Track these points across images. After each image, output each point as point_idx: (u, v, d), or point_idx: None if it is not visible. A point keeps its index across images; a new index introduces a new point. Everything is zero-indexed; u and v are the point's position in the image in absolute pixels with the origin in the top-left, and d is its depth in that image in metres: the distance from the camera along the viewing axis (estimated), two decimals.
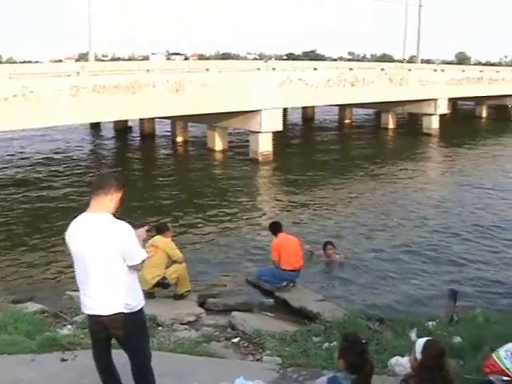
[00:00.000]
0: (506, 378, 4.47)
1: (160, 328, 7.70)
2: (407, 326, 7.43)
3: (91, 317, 4.46)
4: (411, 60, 56.23)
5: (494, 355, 4.66)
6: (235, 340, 7.49)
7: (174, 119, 26.77)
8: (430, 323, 7.65)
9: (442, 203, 17.22)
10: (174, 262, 9.08)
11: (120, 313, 4.30)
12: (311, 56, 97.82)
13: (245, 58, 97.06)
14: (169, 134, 29.07)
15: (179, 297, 9.18)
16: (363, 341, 4.03)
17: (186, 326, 8.12)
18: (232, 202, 17.01)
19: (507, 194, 18.66)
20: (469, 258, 12.40)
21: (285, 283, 9.71)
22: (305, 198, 17.67)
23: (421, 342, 4.09)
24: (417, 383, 3.94)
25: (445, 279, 11.04)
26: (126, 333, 4.38)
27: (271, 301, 9.54)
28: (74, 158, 24.26)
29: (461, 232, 14.22)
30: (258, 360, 6.66)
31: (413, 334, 7.08)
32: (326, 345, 6.76)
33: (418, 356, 4.02)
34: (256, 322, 8.25)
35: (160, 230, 9.20)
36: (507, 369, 4.46)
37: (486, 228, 14.61)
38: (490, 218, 15.64)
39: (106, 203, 4.32)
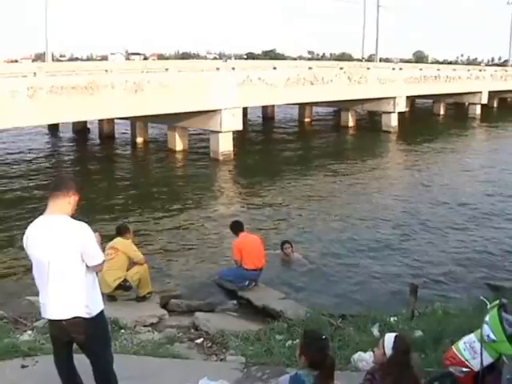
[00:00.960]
0: (465, 369, 4.54)
1: (122, 331, 7.60)
2: (369, 321, 7.52)
3: (51, 322, 4.41)
4: (370, 59, 57.01)
5: (453, 347, 4.74)
6: (199, 341, 7.46)
7: (133, 120, 26.53)
8: (392, 318, 7.76)
9: (401, 200, 17.47)
10: (135, 263, 8.98)
11: (79, 317, 4.26)
12: (271, 55, 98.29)
13: (205, 58, 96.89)
14: (128, 134, 28.76)
15: (141, 299, 9.07)
16: (323, 337, 4.06)
17: (149, 328, 8.04)
18: (192, 203, 16.95)
19: (463, 190, 19.07)
20: (427, 253, 12.64)
21: (247, 282, 9.70)
22: (266, 196, 17.70)
23: (390, 338, 4.14)
24: (384, 377, 3.98)
25: (405, 275, 11.22)
26: (87, 337, 4.33)
27: (234, 301, 9.53)
28: (30, 159, 23.78)
29: (418, 228, 14.46)
30: (221, 360, 6.66)
31: (375, 330, 7.17)
32: (290, 342, 6.79)
33: (388, 351, 4.06)
34: (219, 321, 8.22)
35: (120, 231, 9.09)
36: (466, 360, 4.54)
37: (443, 224, 14.90)
38: (447, 213, 15.96)
39: (64, 205, 4.28)
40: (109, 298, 8.65)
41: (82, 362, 4.58)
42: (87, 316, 4.28)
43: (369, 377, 4.21)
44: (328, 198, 17.71)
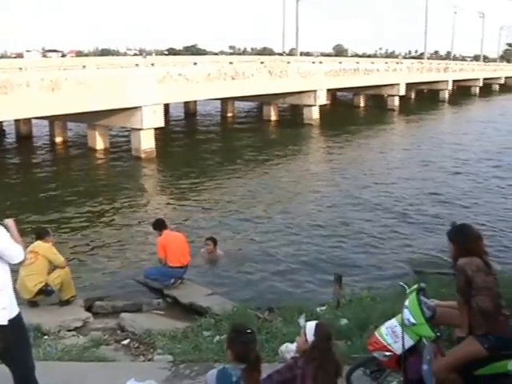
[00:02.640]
0: (388, 354, 4.66)
1: (46, 337, 7.40)
2: (296, 312, 7.60)
3: None
4: (291, 53, 57.63)
5: (376, 333, 4.85)
6: (125, 342, 7.36)
7: (51, 119, 25.74)
8: (318, 308, 7.88)
9: (323, 193, 17.74)
10: (56, 267, 8.73)
11: None
12: (192, 51, 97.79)
13: (125, 54, 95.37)
14: (47, 134, 27.89)
15: (64, 303, 8.83)
16: (248, 330, 4.07)
17: (74, 332, 7.87)
18: (114, 202, 16.62)
19: (383, 179, 19.61)
20: (350, 243, 12.95)
21: (173, 280, 9.60)
22: (189, 193, 17.60)
23: (311, 325, 4.19)
24: (306, 364, 4.03)
25: (330, 264, 11.44)
26: (5, 344, 4.16)
27: (160, 299, 9.42)
28: None
29: (339, 220, 14.75)
30: (149, 360, 6.60)
31: (302, 320, 7.24)
32: (217, 338, 6.78)
33: (310, 338, 4.11)
34: (146, 321, 8.13)
35: (40, 235, 8.80)
36: (389, 344, 4.66)
37: (365, 214, 15.31)
38: (369, 205, 16.35)
39: None
40: (30, 303, 8.41)
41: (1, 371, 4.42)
42: (5, 322, 4.12)
43: (291, 362, 4.26)
44: (251, 193, 17.78)
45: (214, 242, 11.77)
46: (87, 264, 11.51)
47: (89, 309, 8.92)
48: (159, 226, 9.92)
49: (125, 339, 7.45)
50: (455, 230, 4.64)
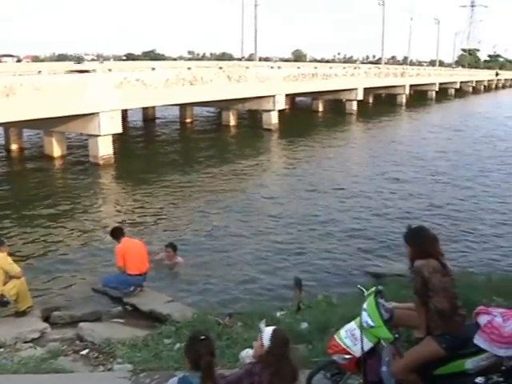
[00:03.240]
0: (347, 356, 4.70)
1: (1, 349, 7.23)
2: (257, 317, 7.58)
3: None
4: (250, 58, 57.74)
5: (335, 336, 4.89)
6: (84, 352, 7.24)
7: (6, 126, 25.14)
8: (279, 313, 7.89)
9: (282, 199, 17.83)
10: (12, 277, 8.54)
11: None
12: (151, 56, 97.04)
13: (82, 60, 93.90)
14: (1, 141, 27.28)
15: (21, 314, 8.66)
16: (202, 337, 4.04)
17: (31, 344, 7.70)
18: (72, 210, 16.34)
19: (343, 184, 19.81)
20: (309, 248, 13.02)
21: (132, 288, 9.50)
22: (148, 200, 17.40)
23: (268, 331, 4.18)
24: (263, 369, 4.03)
25: (290, 269, 11.49)
26: None
27: (120, 307, 9.30)
28: None
29: (298, 223, 14.87)
30: (109, 370, 6.50)
31: (262, 325, 7.20)
32: (178, 346, 6.72)
33: (266, 343, 4.10)
34: (105, 330, 8.01)
35: None
36: (348, 347, 4.69)
37: (325, 219, 15.43)
38: (328, 210, 16.46)
39: None
40: None
41: None
42: None
43: (248, 367, 4.25)
44: (211, 198, 17.70)
45: (174, 248, 11.71)
46: (44, 274, 11.28)
47: (46, 319, 8.76)
48: (117, 233, 9.79)
49: (84, 349, 7.34)
50: (411, 232, 4.70)
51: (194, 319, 7.62)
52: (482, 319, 4.52)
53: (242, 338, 6.72)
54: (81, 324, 8.15)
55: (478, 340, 4.43)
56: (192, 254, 12.30)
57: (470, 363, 4.46)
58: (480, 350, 4.43)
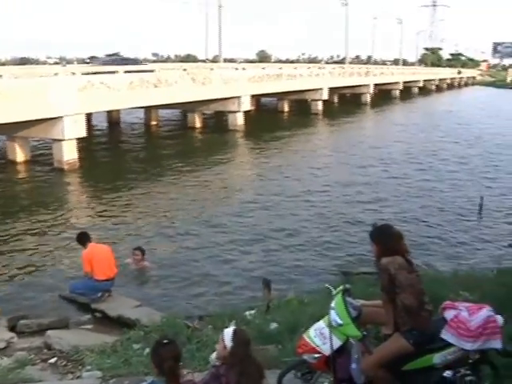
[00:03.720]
0: (317, 355, 4.72)
1: None
2: (226, 319, 7.58)
3: None
4: (215, 59, 57.61)
5: (304, 335, 4.91)
6: (52, 360, 7.14)
7: None
8: (248, 313, 7.88)
9: (249, 199, 17.78)
10: None
11: None
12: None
13: (45, 63, 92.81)
14: None
15: None
16: (165, 341, 4.03)
17: None
18: (37, 216, 16.03)
19: (308, 184, 19.90)
20: (278, 248, 13.09)
21: (100, 294, 9.40)
22: (114, 204, 17.20)
23: (229, 332, 4.18)
24: (228, 370, 4.03)
25: (258, 269, 11.53)
26: None
27: (88, 314, 9.19)
28: None
29: (267, 225, 14.86)
30: (78, 377, 6.45)
31: (232, 327, 7.22)
32: (147, 350, 6.64)
33: (228, 344, 4.10)
34: (74, 337, 7.91)
35: None
36: (317, 346, 4.72)
37: (292, 219, 15.51)
38: (295, 210, 16.53)
39: None
40: None
41: None
42: None
43: (213, 370, 4.24)
44: (177, 202, 17.57)
45: (142, 252, 11.62)
46: (9, 282, 11.11)
47: (12, 328, 8.59)
48: (83, 239, 9.67)
49: (52, 358, 7.24)
50: (377, 230, 4.75)
51: (162, 323, 7.58)
52: (449, 314, 4.59)
53: (211, 341, 6.68)
54: (48, 332, 8.04)
55: (445, 334, 4.49)
56: (160, 258, 12.22)
57: (437, 358, 4.51)
58: (447, 345, 4.49)
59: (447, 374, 4.66)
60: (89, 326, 8.76)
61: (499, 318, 4.56)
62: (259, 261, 12.21)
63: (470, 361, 4.59)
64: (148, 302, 9.63)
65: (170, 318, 7.75)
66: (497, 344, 4.47)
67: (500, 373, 4.89)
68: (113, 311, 8.99)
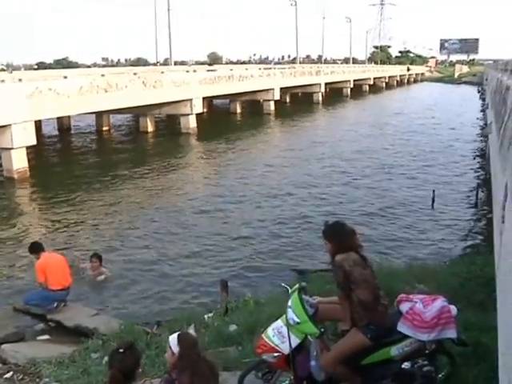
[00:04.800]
0: (276, 354, 4.73)
1: None
2: (185, 323, 7.54)
3: None
4: (166, 62, 57.25)
5: (263, 335, 4.92)
6: (8, 375, 6.98)
7: None
8: (206, 316, 7.86)
9: (203, 202, 17.73)
10: None
11: None
12: (64, 64, 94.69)
13: None
14: None
15: None
16: (120, 350, 3.99)
17: None
18: None
19: (263, 184, 19.96)
20: (234, 249, 13.12)
21: (56, 304, 9.20)
22: (68, 213, 16.78)
23: (174, 338, 4.15)
24: (180, 375, 4.01)
25: (215, 272, 11.49)
26: None
27: (44, 325, 8.99)
28: None
29: (222, 227, 14.86)
30: None
31: (191, 330, 7.19)
32: (106, 359, 6.56)
33: (175, 350, 4.08)
34: (30, 350, 7.75)
35: None
36: (276, 345, 4.73)
37: (247, 220, 15.54)
38: (249, 211, 16.58)
39: None
40: None
41: None
42: None
43: (166, 376, 4.22)
44: (131, 208, 17.32)
45: (99, 258, 11.45)
46: None
47: None
48: (36, 248, 9.46)
49: (7, 372, 7.06)
50: (330, 228, 4.78)
51: (121, 330, 7.50)
52: (404, 307, 4.67)
53: None
54: (3, 346, 7.86)
55: (402, 327, 4.56)
56: (117, 265, 12.05)
57: (395, 350, 4.59)
58: (404, 337, 4.57)
59: (405, 365, 4.75)
60: (45, 338, 8.56)
61: (453, 308, 4.66)
62: (216, 263, 12.16)
63: (427, 351, 4.69)
64: (105, 309, 9.50)
65: (128, 325, 7.67)
66: (452, 334, 4.57)
67: (456, 361, 5.01)
68: (69, 321, 8.81)
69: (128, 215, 16.47)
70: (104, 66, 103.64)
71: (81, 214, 16.80)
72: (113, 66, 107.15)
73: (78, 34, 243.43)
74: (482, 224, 14.66)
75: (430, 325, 4.50)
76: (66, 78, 25.87)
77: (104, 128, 35.93)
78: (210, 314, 7.87)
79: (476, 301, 6.98)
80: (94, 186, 20.36)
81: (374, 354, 4.62)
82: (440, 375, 4.93)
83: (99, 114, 34.88)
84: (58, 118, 34.95)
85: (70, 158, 27.23)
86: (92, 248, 13.04)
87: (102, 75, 28.12)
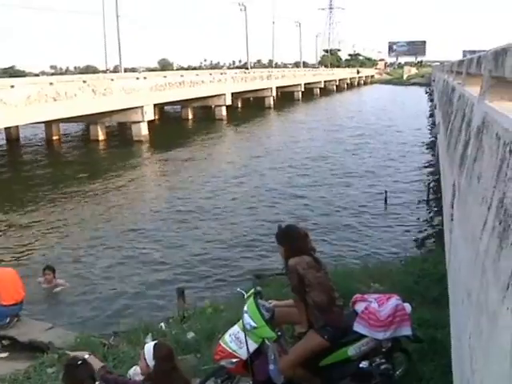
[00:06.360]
0: (234, 360, 4.73)
1: None
2: (141, 332, 7.46)
3: None
4: (116, 70, 56.51)
5: (221, 341, 4.91)
6: None
7: None
8: (163, 324, 7.79)
9: (158, 211, 17.56)
10: None
11: None
12: (10, 72, 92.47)
13: None
14: None
15: None
16: (79, 362, 3.93)
17: None
18: None
19: (216, 191, 19.93)
20: (190, 255, 13.07)
21: (8, 319, 8.95)
22: (16, 227, 16.24)
23: (150, 348, 4.10)
24: None
25: (171, 279, 11.44)
26: None
27: None
28: None
29: (178, 234, 14.86)
30: None
31: (149, 340, 7.11)
32: (63, 373, 6.44)
33: (150, 362, 4.02)
34: None
35: None
36: (234, 351, 4.73)
37: (200, 224, 15.59)
38: (207, 218, 16.53)
39: None
40: None
41: None
42: None
43: None
44: (83, 219, 16.88)
45: (53, 270, 11.23)
46: None
47: None
48: None
49: None
50: (282, 231, 4.80)
51: (77, 343, 7.34)
52: (359, 306, 4.73)
53: (128, 357, 6.58)
54: None
55: (358, 327, 4.62)
56: (71, 276, 11.81)
57: (352, 350, 4.64)
58: (360, 336, 4.63)
59: (363, 364, 4.81)
60: None
61: (407, 306, 4.75)
62: (172, 270, 12.09)
63: (384, 349, 4.77)
64: (60, 322, 9.29)
65: (84, 337, 7.53)
66: (407, 331, 4.66)
67: (412, 358, 5.11)
68: (23, 336, 8.58)
69: (78, 227, 16.04)
70: (52, 74, 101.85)
71: (31, 227, 16.21)
72: (61, 73, 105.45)
73: (25, 42, 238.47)
74: (434, 222, 14.94)
75: (385, 323, 4.57)
76: (13, 87, 25.26)
77: (54, 137, 35.16)
78: (168, 324, 7.79)
79: (430, 298, 7.13)
80: (42, 199, 19.56)
81: (331, 354, 4.66)
82: (397, 372, 5.02)
83: (49, 124, 34.15)
84: (5, 129, 34.09)
85: (18, 170, 26.35)
86: (43, 260, 12.72)
87: (51, 83, 27.55)
